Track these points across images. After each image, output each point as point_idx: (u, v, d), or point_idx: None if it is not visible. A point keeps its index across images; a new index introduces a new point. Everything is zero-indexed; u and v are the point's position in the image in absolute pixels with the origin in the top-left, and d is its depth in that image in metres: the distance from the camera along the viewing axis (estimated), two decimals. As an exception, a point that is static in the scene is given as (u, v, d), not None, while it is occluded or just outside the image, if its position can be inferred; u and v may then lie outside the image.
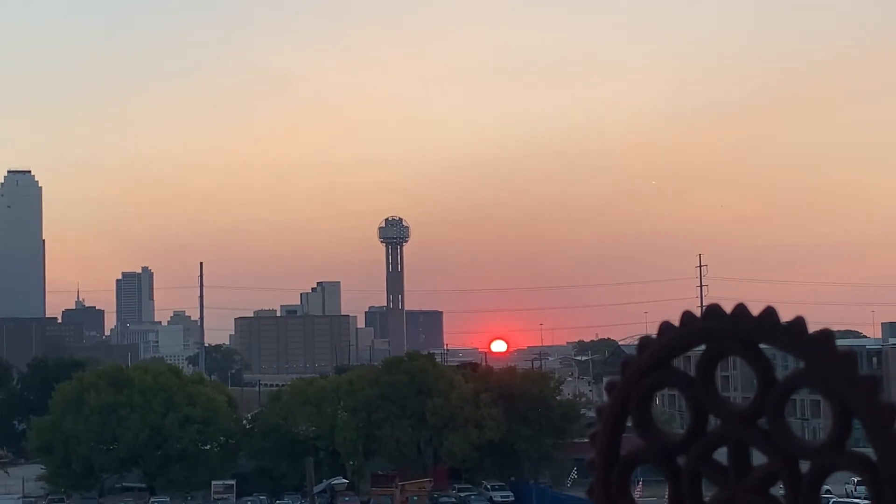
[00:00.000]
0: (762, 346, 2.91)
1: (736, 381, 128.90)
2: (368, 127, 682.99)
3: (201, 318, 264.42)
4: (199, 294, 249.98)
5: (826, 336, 2.79)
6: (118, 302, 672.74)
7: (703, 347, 3.02)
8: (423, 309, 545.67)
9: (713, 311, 2.94)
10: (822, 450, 2.78)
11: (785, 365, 3.10)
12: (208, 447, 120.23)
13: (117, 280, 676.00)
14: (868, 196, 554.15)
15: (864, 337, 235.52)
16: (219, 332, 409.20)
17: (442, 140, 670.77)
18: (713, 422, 3.01)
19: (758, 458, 2.96)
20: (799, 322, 2.83)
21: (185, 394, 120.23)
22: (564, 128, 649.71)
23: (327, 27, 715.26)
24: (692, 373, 3.04)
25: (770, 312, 2.87)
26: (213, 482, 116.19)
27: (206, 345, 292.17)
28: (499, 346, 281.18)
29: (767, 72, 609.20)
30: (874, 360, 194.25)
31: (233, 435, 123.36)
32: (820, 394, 2.78)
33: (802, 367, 2.81)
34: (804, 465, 2.86)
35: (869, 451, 2.75)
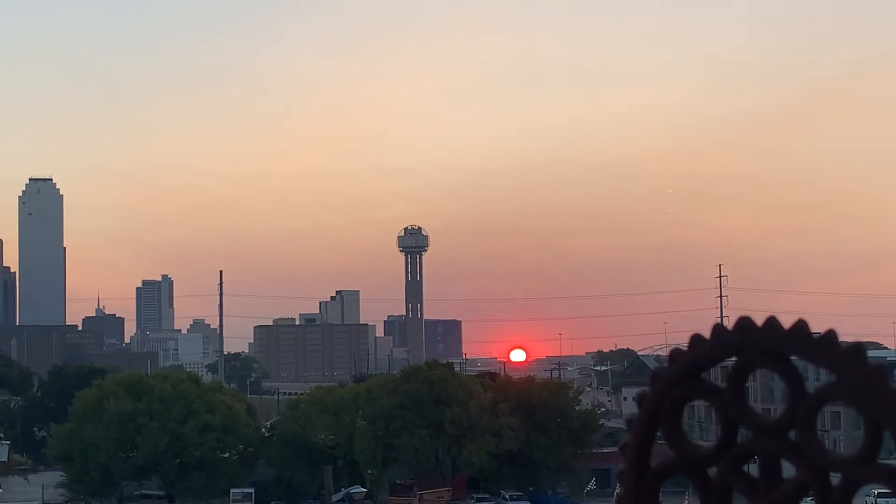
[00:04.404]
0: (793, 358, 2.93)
1: (756, 393, 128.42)
2: (388, 136, 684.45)
3: (221, 326, 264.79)
4: (218, 302, 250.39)
5: (857, 350, 2.81)
6: (138, 310, 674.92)
7: (733, 360, 3.05)
8: (442, 318, 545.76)
9: (744, 323, 2.96)
10: (853, 462, 2.79)
11: (816, 377, 3.11)
12: (227, 455, 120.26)
13: (137, 288, 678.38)
14: (889, 206, 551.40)
15: (885, 348, 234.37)
16: (238, 341, 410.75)
17: (461, 149, 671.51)
18: (743, 434, 3.03)
19: (788, 470, 2.97)
20: (830, 335, 2.85)
21: (204, 402, 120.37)
22: (584, 137, 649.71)
23: (347, 36, 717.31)
24: (722, 385, 3.06)
25: (801, 325, 2.89)
26: (232, 490, 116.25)
27: (226, 353, 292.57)
28: (517, 356, 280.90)
29: (789, 82, 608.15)
30: (895, 371, 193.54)
31: (251, 443, 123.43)
32: (851, 407, 2.80)
33: (833, 380, 2.83)
34: (834, 478, 2.87)
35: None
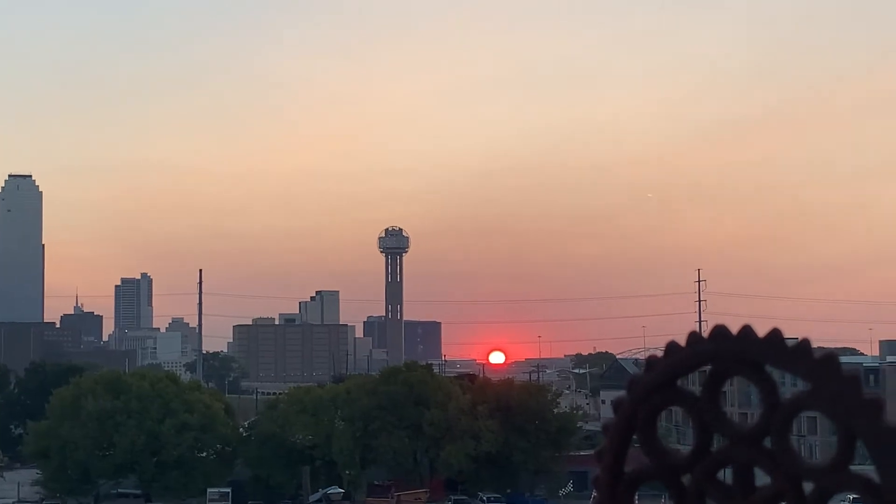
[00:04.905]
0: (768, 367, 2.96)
1: (733, 398, 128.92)
2: (371, 137, 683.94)
3: (200, 325, 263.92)
4: (197, 301, 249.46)
5: (831, 358, 2.83)
6: (117, 308, 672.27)
7: (709, 367, 3.07)
8: (422, 319, 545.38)
9: (720, 331, 2.98)
10: (826, 471, 2.82)
11: (793, 384, 3.13)
12: (204, 454, 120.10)
13: (116, 286, 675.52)
14: (867, 214, 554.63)
15: (862, 354, 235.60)
16: (217, 340, 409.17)
17: (444, 151, 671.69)
18: (718, 441, 3.05)
19: (762, 478, 2.99)
20: (805, 344, 2.87)
21: (182, 400, 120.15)
22: (568, 141, 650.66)
23: (334, 36, 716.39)
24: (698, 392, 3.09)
25: (776, 334, 2.91)
26: (209, 489, 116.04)
27: (204, 352, 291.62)
28: (497, 358, 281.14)
29: (770, 91, 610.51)
30: (871, 377, 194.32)
31: (229, 442, 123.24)
32: (825, 415, 2.82)
33: (808, 388, 2.85)
34: (808, 486, 2.89)
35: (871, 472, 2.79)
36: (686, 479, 3.08)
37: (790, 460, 2.86)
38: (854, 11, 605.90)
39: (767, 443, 2.95)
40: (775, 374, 3.01)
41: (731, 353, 2.96)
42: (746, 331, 2.95)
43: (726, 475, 3.05)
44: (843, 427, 2.78)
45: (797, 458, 2.87)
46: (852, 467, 2.82)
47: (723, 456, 2.99)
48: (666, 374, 3.06)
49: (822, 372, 2.82)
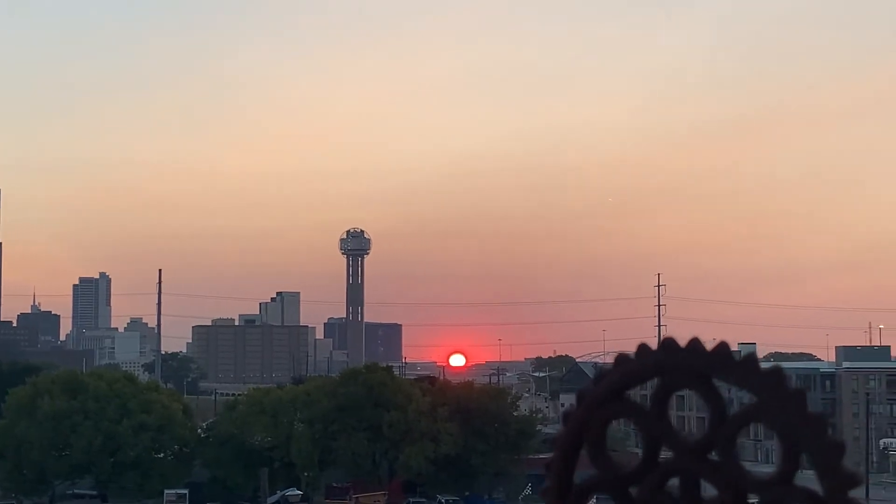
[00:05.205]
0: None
1: (691, 402, 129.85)
2: (333, 138, 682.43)
3: (158, 325, 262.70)
4: (157, 301, 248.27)
5: (777, 372, 2.86)
6: (75, 307, 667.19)
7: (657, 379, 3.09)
8: (383, 321, 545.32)
9: (668, 344, 3.00)
10: (771, 484, 2.84)
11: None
12: (162, 455, 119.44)
13: (74, 285, 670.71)
14: (825, 221, 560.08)
15: (819, 360, 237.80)
16: (176, 340, 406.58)
17: (407, 153, 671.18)
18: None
19: (709, 490, 3.02)
20: (751, 358, 2.90)
21: (139, 401, 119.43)
22: (531, 144, 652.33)
23: (297, 37, 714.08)
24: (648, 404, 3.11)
25: (723, 347, 2.94)
26: (166, 491, 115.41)
27: (163, 352, 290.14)
28: (457, 361, 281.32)
29: (732, 98, 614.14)
30: (827, 383, 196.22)
31: (187, 443, 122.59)
32: (770, 429, 2.85)
33: (754, 402, 2.88)
34: (753, 498, 2.92)
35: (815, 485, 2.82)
36: (634, 490, 3.10)
37: (735, 473, 2.89)
38: (823, 20, 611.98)
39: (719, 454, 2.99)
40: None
41: (679, 366, 2.98)
42: (695, 343, 2.98)
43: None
44: (788, 440, 2.81)
45: (743, 471, 2.90)
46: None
47: (670, 468, 3.01)
48: (614, 386, 3.08)
49: (769, 385, 2.84)
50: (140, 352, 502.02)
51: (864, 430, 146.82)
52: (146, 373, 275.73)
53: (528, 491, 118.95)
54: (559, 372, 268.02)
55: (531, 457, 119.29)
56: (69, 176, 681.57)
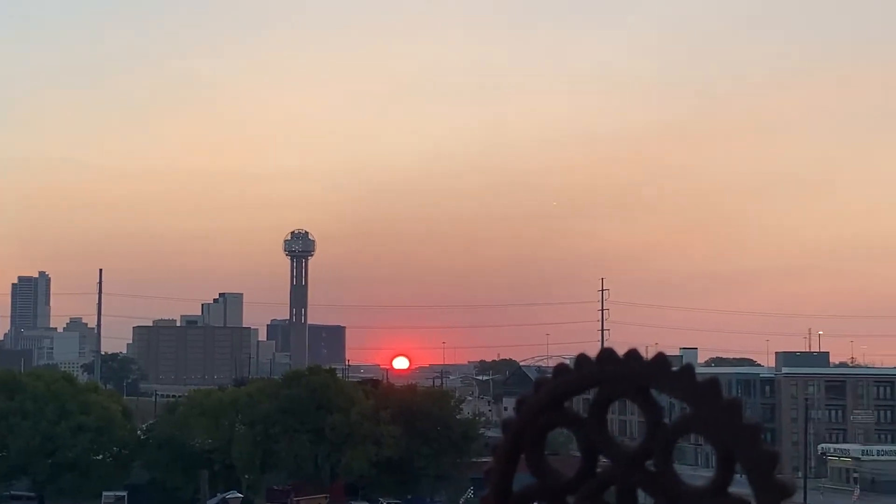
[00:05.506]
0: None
1: (633, 406, 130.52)
2: (278, 139, 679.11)
3: (98, 325, 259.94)
4: (97, 301, 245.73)
5: (713, 383, 2.90)
6: (13, 306, 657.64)
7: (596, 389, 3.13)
8: (327, 323, 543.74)
9: (607, 355, 3.04)
10: (706, 493, 2.89)
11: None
12: (101, 457, 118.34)
13: (13, 284, 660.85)
14: (766, 228, 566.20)
15: (759, 366, 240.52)
16: (116, 341, 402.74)
17: (352, 155, 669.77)
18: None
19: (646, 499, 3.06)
20: (688, 369, 2.95)
21: (78, 402, 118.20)
22: (477, 148, 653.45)
23: (246, 37, 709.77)
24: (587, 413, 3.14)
25: (661, 358, 2.98)
26: (104, 493, 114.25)
27: (103, 353, 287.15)
28: (401, 364, 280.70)
29: (678, 104, 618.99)
30: (767, 388, 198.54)
31: (126, 445, 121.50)
32: (705, 439, 2.89)
33: (690, 412, 2.92)
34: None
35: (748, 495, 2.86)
36: (572, 499, 3.13)
37: (671, 483, 2.93)
38: (771, 25, 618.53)
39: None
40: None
41: (617, 377, 3.02)
42: (633, 354, 3.02)
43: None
44: (722, 451, 2.86)
45: (678, 481, 2.94)
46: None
47: (607, 477, 3.05)
48: (553, 396, 3.11)
49: (704, 396, 2.89)
50: (79, 352, 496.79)
51: (802, 435, 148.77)
52: (85, 373, 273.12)
53: (470, 494, 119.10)
54: (502, 375, 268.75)
55: (474, 460, 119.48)
56: (8, 174, 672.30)
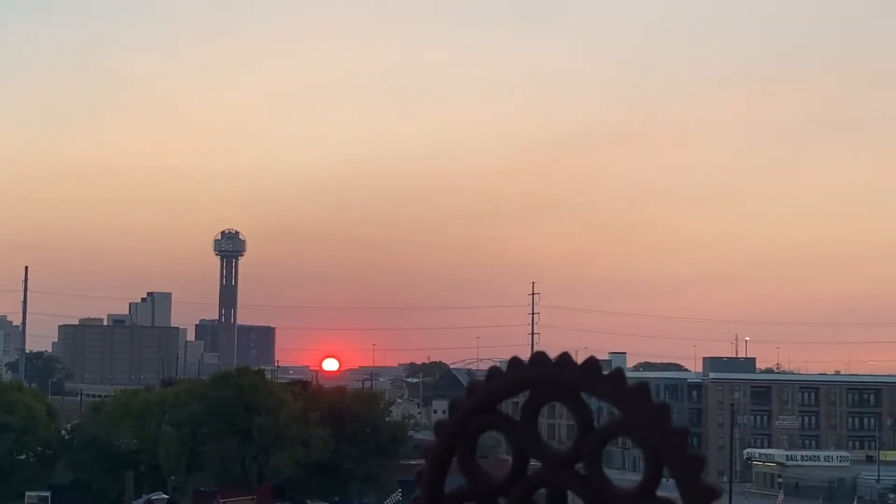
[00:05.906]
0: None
1: (561, 409, 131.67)
2: (209, 138, 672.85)
3: (24, 323, 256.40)
4: (22, 299, 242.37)
5: (642, 388, 2.96)
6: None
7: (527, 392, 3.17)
8: (256, 324, 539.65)
9: (539, 358, 3.08)
10: (634, 496, 2.94)
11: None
12: (24, 457, 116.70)
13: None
14: (695, 234, 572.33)
15: (687, 370, 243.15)
16: (41, 339, 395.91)
17: (284, 155, 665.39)
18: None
19: (576, 501, 3.10)
20: (618, 373, 3.00)
21: (2, 401, 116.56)
22: (411, 150, 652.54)
23: (175, 35, 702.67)
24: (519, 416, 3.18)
25: (592, 363, 3.03)
26: (28, 493, 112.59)
27: (28, 351, 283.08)
28: (330, 365, 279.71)
29: (606, 109, 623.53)
30: (694, 393, 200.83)
31: (50, 445, 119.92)
32: (634, 442, 2.94)
33: (619, 416, 2.97)
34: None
35: (676, 498, 2.92)
36: (503, 501, 3.17)
37: (600, 485, 2.97)
38: (700, 34, 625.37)
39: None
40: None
41: (549, 380, 3.06)
42: (564, 358, 3.06)
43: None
44: (650, 454, 2.91)
45: (608, 484, 2.99)
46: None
47: (537, 479, 3.08)
48: (486, 399, 3.14)
49: (634, 400, 2.94)
50: (4, 350, 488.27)
51: (728, 439, 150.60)
52: (9, 372, 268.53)
53: (398, 496, 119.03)
54: (432, 378, 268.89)
55: (402, 462, 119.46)
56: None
